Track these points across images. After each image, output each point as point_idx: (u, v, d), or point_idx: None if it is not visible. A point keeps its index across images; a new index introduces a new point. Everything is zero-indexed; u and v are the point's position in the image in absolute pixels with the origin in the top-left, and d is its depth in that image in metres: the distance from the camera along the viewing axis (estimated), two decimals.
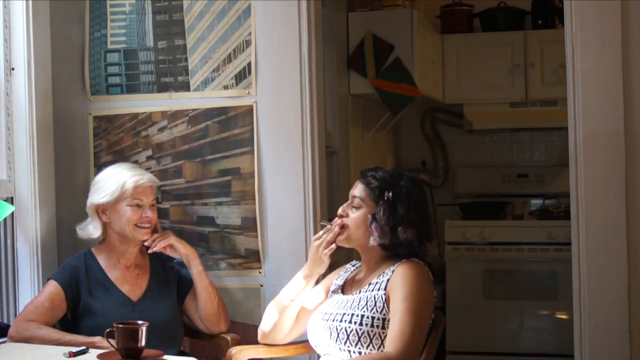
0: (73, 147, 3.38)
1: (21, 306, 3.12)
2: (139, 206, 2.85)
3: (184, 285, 2.93)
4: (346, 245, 2.52)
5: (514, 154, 5.62)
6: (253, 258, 3.25)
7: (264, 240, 3.23)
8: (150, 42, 3.35)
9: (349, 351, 2.34)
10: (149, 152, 3.35)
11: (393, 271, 2.38)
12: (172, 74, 3.33)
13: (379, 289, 2.37)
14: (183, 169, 3.32)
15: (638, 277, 2.93)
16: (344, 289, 2.56)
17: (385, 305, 2.34)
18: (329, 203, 3.62)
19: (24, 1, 3.14)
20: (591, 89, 2.96)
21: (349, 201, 2.51)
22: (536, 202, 5.44)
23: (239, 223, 3.26)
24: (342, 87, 4.49)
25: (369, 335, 2.31)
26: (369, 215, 2.42)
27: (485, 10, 5.35)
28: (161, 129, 3.34)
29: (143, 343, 2.33)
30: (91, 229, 2.90)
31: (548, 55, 5.10)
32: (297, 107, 3.20)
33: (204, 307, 2.88)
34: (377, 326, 2.32)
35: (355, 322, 2.33)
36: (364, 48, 4.52)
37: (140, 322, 2.36)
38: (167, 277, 2.93)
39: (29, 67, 3.15)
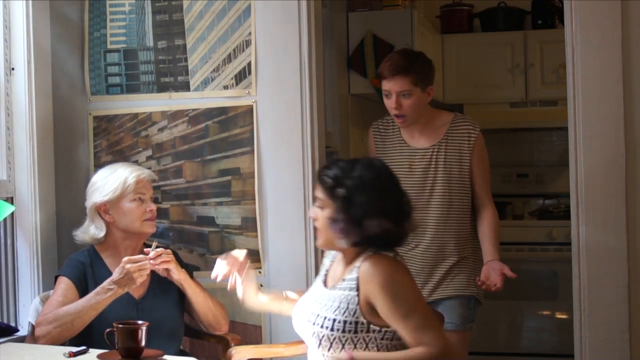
0: (73, 147, 3.38)
1: (21, 306, 3.13)
2: (141, 200, 2.86)
3: None
4: (326, 249, 2.40)
5: (514, 154, 5.60)
6: (253, 258, 3.24)
7: (264, 240, 3.23)
8: (150, 42, 3.35)
9: (322, 354, 2.29)
10: (149, 152, 3.34)
11: (359, 267, 2.23)
12: (172, 73, 3.33)
13: (350, 289, 2.24)
14: (183, 169, 3.31)
15: (638, 277, 2.93)
16: (326, 278, 2.42)
17: (358, 308, 2.22)
18: None
19: (24, 1, 3.14)
20: (591, 88, 2.96)
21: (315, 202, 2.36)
22: (536, 202, 5.43)
23: (239, 223, 3.25)
24: (342, 87, 4.48)
25: (340, 340, 2.23)
26: (327, 218, 2.25)
27: (485, 10, 5.34)
28: (161, 129, 3.33)
29: (143, 343, 2.33)
30: (93, 230, 2.88)
31: (548, 55, 5.09)
32: (297, 107, 3.20)
33: (204, 317, 2.89)
34: (349, 331, 2.22)
35: (326, 327, 2.24)
36: (364, 48, 4.51)
37: (140, 322, 2.36)
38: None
39: (29, 67, 3.14)
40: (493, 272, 3.00)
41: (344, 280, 2.27)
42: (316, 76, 3.23)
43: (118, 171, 2.88)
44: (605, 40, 2.94)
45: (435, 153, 3.11)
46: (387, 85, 3.07)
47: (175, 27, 3.33)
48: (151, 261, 2.74)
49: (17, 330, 3.04)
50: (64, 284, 2.78)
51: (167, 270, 2.82)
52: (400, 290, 2.18)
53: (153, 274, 2.82)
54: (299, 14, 3.20)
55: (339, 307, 2.23)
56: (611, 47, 2.93)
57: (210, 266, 3.23)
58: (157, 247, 2.75)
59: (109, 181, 2.86)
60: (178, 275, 2.83)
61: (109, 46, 3.38)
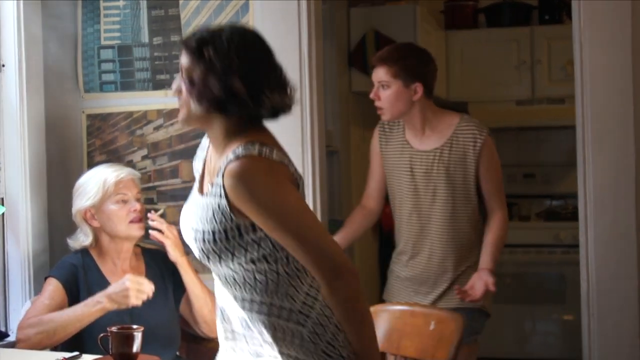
0: (66, 146, 3.35)
1: (12, 310, 3.12)
2: (124, 202, 2.81)
3: (179, 287, 2.89)
4: (188, 125, 2.13)
5: (520, 153, 5.56)
6: None
7: None
8: (145, 38, 3.32)
9: (214, 269, 2.05)
10: (144, 152, 3.32)
11: (224, 171, 1.97)
12: (168, 71, 3.30)
13: (220, 195, 1.98)
14: (179, 168, 3.28)
15: None
16: (202, 183, 2.15)
17: (232, 215, 1.95)
18: (329, 203, 3.57)
19: None
20: (600, 86, 2.91)
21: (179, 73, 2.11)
22: (543, 203, 5.39)
23: None
24: (343, 84, 4.46)
25: (227, 249, 1.98)
26: (185, 79, 2.02)
27: (491, 5, 5.33)
28: (157, 128, 3.30)
29: (138, 348, 2.29)
30: (82, 238, 2.84)
31: (555, 51, 5.07)
32: (296, 106, 3.12)
33: (199, 312, 2.84)
34: (233, 237, 1.96)
35: (208, 241, 1.99)
36: (365, 44, 4.47)
37: (135, 326, 2.33)
38: (164, 280, 2.88)
39: (20, 64, 3.12)
40: (479, 281, 2.90)
41: (212, 185, 2.03)
42: (316, 74, 3.20)
43: (99, 174, 2.84)
44: (614, 36, 2.90)
45: (437, 157, 3.01)
46: (372, 76, 3.08)
47: (171, 22, 3.29)
48: (150, 222, 2.80)
49: (8, 336, 3.00)
50: (53, 285, 2.74)
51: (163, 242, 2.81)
52: (282, 203, 1.94)
53: (147, 278, 2.78)
54: (299, 10, 3.16)
55: (214, 216, 1.99)
56: (620, 44, 2.89)
57: (207, 269, 3.18)
58: (161, 215, 2.82)
59: (90, 185, 2.83)
60: (174, 255, 2.81)
61: (103, 42, 3.35)
